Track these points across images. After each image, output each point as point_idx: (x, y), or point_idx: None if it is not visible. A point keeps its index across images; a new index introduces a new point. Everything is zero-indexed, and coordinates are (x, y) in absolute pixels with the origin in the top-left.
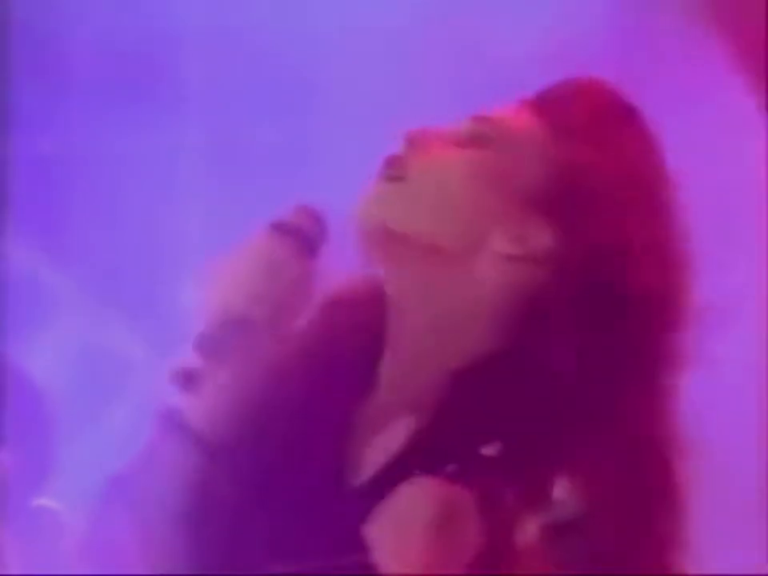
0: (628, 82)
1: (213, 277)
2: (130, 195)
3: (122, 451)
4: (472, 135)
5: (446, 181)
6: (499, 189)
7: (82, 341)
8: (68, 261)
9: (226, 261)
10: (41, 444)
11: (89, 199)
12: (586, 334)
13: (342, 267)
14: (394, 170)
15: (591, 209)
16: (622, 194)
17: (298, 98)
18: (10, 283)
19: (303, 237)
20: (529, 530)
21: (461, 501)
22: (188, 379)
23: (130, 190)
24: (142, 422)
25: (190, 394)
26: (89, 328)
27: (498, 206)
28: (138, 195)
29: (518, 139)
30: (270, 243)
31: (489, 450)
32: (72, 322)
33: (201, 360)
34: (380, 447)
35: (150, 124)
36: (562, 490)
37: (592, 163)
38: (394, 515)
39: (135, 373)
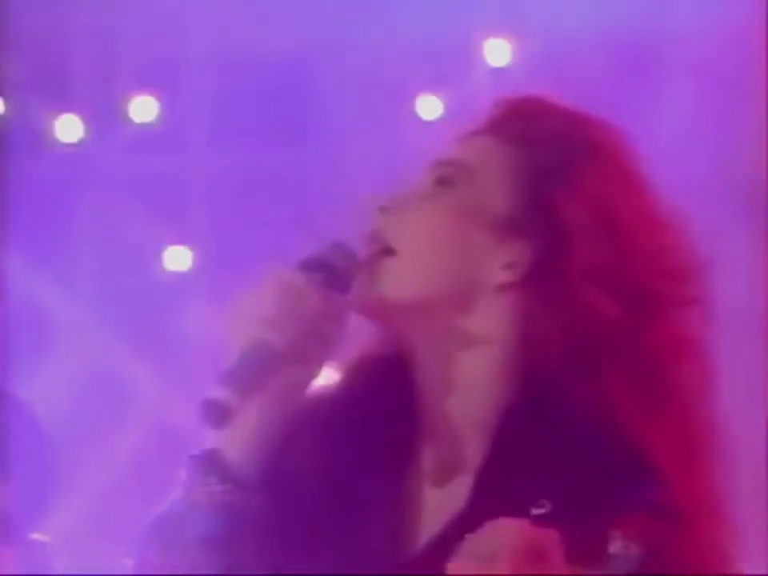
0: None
1: (238, 310)
2: (134, 219)
3: (125, 479)
4: (436, 183)
5: (427, 239)
6: (477, 225)
7: (85, 368)
8: (70, 286)
9: (251, 295)
10: (42, 477)
11: (91, 223)
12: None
13: None
14: (381, 244)
15: (563, 214)
16: (592, 187)
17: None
18: (12, 310)
19: (334, 273)
20: None
21: (548, 539)
22: (219, 415)
23: (134, 213)
24: (145, 448)
25: (221, 429)
26: (91, 355)
27: (482, 244)
28: (141, 218)
29: (479, 168)
30: (297, 278)
31: (539, 510)
32: (74, 349)
33: (230, 394)
34: (434, 511)
35: (154, 144)
36: (616, 544)
37: (554, 165)
38: (478, 553)
39: (139, 400)
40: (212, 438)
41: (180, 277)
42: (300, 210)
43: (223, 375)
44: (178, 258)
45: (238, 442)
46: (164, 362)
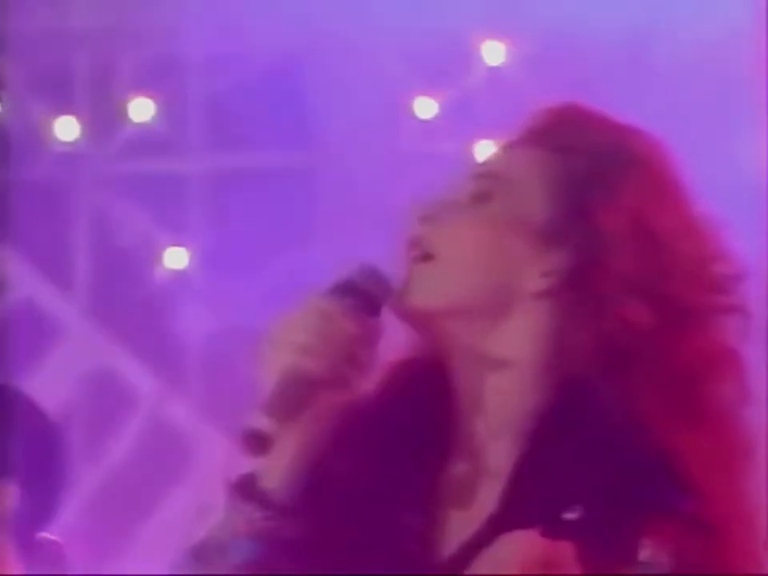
0: None
1: (274, 338)
2: (131, 219)
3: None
4: (474, 195)
5: (466, 247)
6: (516, 234)
7: (85, 369)
8: (68, 286)
9: (286, 322)
10: (48, 477)
11: (89, 223)
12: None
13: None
14: (421, 250)
15: (602, 222)
16: (630, 196)
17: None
18: (12, 309)
19: (365, 296)
20: None
21: (560, 552)
22: (259, 443)
23: (132, 214)
24: (143, 447)
25: (261, 457)
26: (91, 356)
27: (520, 252)
28: (139, 218)
29: (518, 179)
30: (331, 303)
31: (570, 515)
32: (73, 349)
33: (269, 422)
34: (466, 517)
35: (154, 149)
36: (647, 552)
37: (593, 174)
38: (493, 565)
39: (140, 401)
40: (248, 464)
41: (177, 277)
42: (298, 210)
43: (261, 403)
44: (175, 259)
45: (277, 468)
46: (163, 361)
